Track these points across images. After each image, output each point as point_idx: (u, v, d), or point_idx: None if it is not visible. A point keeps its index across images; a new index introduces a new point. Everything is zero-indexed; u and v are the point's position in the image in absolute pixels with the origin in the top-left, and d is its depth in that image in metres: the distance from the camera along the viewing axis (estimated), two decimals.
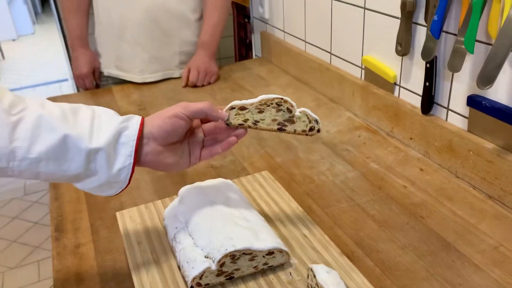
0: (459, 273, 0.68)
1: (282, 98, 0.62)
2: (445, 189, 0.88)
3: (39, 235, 2.30)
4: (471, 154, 0.86)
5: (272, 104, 0.62)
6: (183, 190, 0.72)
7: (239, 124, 0.64)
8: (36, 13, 7.47)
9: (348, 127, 1.14)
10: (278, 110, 0.63)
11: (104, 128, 0.57)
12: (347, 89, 1.21)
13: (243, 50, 2.14)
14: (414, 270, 0.69)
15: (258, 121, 0.63)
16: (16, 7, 6.50)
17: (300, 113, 0.65)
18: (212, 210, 0.65)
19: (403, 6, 0.92)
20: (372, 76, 1.11)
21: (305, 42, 1.40)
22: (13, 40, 6.31)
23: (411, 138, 1.01)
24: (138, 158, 0.60)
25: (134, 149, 0.58)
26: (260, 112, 0.62)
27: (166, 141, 0.61)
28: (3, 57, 5.55)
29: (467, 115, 0.87)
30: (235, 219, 0.63)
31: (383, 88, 1.09)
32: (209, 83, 1.46)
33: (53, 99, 1.42)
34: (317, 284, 0.55)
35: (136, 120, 0.60)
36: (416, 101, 0.98)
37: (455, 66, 0.81)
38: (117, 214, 0.75)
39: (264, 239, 0.60)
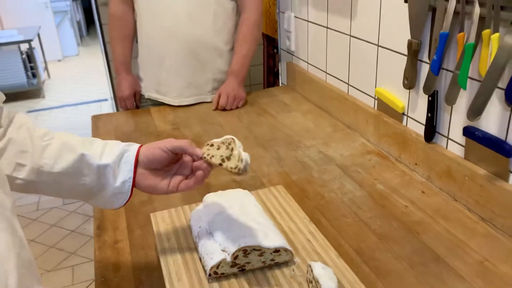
0: (445, 282, 0.77)
1: (232, 138, 0.72)
2: (442, 210, 0.97)
3: (74, 242, 2.47)
4: (467, 179, 0.95)
5: (226, 142, 0.72)
6: (207, 196, 0.85)
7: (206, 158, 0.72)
8: (81, 36, 7.93)
9: (360, 151, 1.25)
10: (227, 148, 0.71)
11: (111, 150, 0.73)
12: (361, 117, 1.32)
13: (271, 78, 2.29)
14: (405, 277, 0.79)
15: (222, 157, 0.71)
16: (64, 30, 6.95)
17: (237, 152, 0.71)
18: (230, 213, 0.77)
19: (409, 46, 1.04)
20: (384, 106, 1.22)
21: (326, 73, 1.53)
22: (59, 60, 6.73)
23: (416, 164, 1.11)
24: None
25: (133, 166, 0.73)
26: (218, 149, 0.72)
27: (149, 166, 0.74)
28: (49, 76, 5.93)
29: (463, 143, 0.97)
30: (249, 221, 0.75)
31: (393, 117, 1.19)
32: (237, 107, 1.60)
33: (97, 117, 1.59)
34: (313, 278, 0.66)
35: (135, 146, 0.75)
36: (421, 130, 1.09)
37: (450, 100, 0.91)
38: (151, 215, 0.88)
39: (272, 239, 0.72)
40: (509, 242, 0.85)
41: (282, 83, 1.95)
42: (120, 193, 0.74)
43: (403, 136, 1.15)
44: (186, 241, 0.79)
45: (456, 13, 0.88)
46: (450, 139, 1.01)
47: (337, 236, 0.90)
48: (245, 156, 0.70)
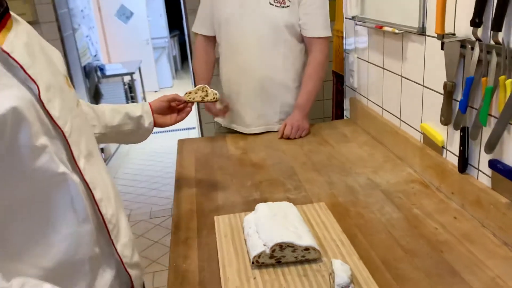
0: None
1: (204, 85, 1.32)
2: (470, 234, 1.08)
3: (157, 252, 2.79)
4: (492, 207, 1.05)
5: (201, 89, 1.31)
6: (258, 205, 1.06)
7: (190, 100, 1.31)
8: (176, 69, 8.69)
9: (405, 180, 1.38)
10: (202, 91, 1.31)
11: (137, 107, 1.26)
12: (409, 149, 1.45)
13: (339, 111, 2.47)
14: (420, 284, 0.92)
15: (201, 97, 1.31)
16: (161, 64, 7.70)
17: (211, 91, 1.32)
18: (274, 218, 0.97)
19: (444, 87, 1.18)
20: (428, 140, 1.35)
21: (382, 108, 1.68)
22: (155, 91, 7.44)
23: (452, 193, 1.22)
24: None
25: (151, 113, 1.27)
26: (196, 93, 1.31)
27: (157, 112, 1.29)
28: None
29: (490, 175, 1.08)
30: (288, 225, 0.94)
31: (435, 150, 1.32)
32: (300, 137, 1.80)
33: (182, 141, 1.88)
34: (332, 271, 0.83)
35: (147, 103, 1.28)
36: (457, 162, 1.20)
37: (474, 135, 1.04)
38: (215, 218, 1.11)
39: (305, 239, 0.90)
40: None
41: (346, 116, 2.12)
42: (148, 131, 1.27)
43: (442, 168, 1.27)
44: (238, 238, 1.00)
45: (480, 60, 1.02)
46: (480, 171, 1.12)
47: (368, 248, 1.05)
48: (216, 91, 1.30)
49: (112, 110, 1.21)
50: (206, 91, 1.30)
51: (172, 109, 1.32)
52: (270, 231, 0.92)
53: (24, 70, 0.69)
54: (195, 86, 1.38)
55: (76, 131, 0.80)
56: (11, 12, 0.75)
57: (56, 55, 0.86)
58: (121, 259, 0.85)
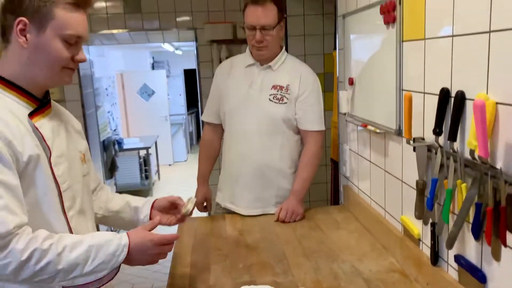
0: None
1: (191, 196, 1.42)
2: None
3: None
4: None
5: (190, 200, 1.40)
6: None
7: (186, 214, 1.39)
8: (191, 144, 8.99)
9: (387, 269, 1.46)
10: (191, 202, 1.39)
11: (140, 200, 1.42)
12: (392, 239, 1.55)
13: (337, 196, 2.58)
14: None
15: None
16: (177, 139, 8.00)
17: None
18: None
19: (417, 184, 1.30)
20: (407, 232, 1.45)
21: (370, 198, 1.80)
22: (169, 165, 7.67)
23: (427, 284, 1.30)
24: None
25: (150, 207, 1.40)
26: (187, 205, 1.38)
27: (157, 208, 1.41)
28: (159, 178, 6.78)
29: (457, 268, 1.16)
30: None
31: (413, 242, 1.41)
32: (295, 221, 1.91)
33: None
34: None
35: (153, 198, 1.43)
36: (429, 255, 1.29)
37: (439, 230, 1.15)
38: None
39: None
40: None
41: (341, 202, 2.23)
42: (142, 223, 1.33)
43: (419, 259, 1.35)
44: None
45: (442, 164, 1.16)
46: (449, 264, 1.20)
47: None
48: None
49: (120, 198, 1.41)
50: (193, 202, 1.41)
51: (174, 209, 1.41)
52: None
53: (45, 141, 1.07)
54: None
55: (72, 191, 1.14)
56: (52, 102, 1.18)
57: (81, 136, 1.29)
58: None
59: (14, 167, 0.99)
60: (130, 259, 1.11)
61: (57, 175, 1.09)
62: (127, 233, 1.13)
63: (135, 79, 7.34)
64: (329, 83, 3.04)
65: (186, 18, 3.61)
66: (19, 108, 1.07)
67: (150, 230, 1.18)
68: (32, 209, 1.04)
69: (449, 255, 1.20)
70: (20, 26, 1.03)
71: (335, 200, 2.63)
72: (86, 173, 1.25)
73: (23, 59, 1.06)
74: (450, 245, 1.04)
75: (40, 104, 1.11)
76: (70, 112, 1.31)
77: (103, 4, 3.48)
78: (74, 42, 1.08)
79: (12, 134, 1.00)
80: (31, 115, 1.08)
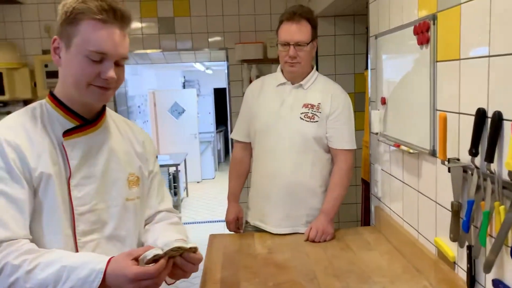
0: None
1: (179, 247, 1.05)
2: None
3: None
4: None
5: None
6: None
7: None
8: (219, 162, 9.07)
9: None
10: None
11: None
12: (426, 262, 1.51)
13: (368, 217, 2.54)
14: None
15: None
16: (206, 156, 8.09)
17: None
18: None
19: (452, 206, 1.28)
20: (441, 254, 1.42)
21: (403, 219, 1.77)
22: (197, 182, 7.74)
23: None
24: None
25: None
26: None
27: None
28: (187, 195, 6.85)
29: None
30: None
31: (448, 264, 1.38)
32: (325, 241, 1.89)
33: (214, 236, 2.02)
34: None
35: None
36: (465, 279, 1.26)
37: (476, 254, 1.12)
38: None
39: None
40: None
41: (372, 223, 2.20)
42: None
43: (455, 283, 1.32)
44: None
45: (479, 186, 1.13)
46: None
47: None
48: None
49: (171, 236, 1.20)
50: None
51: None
52: None
53: (68, 160, 1.08)
54: None
55: (98, 215, 1.10)
56: (111, 120, 1.21)
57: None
58: None
59: (24, 181, 1.00)
60: None
61: (74, 197, 1.07)
62: (109, 259, 0.99)
63: (167, 97, 7.51)
64: (359, 103, 3.03)
65: (218, 38, 3.69)
66: (60, 124, 1.10)
67: (137, 257, 0.99)
68: (31, 225, 1.02)
69: (487, 279, 1.17)
70: (55, 44, 1.08)
71: (365, 221, 2.59)
72: (134, 197, 1.18)
73: (61, 77, 1.11)
74: (488, 269, 1.01)
75: (84, 122, 1.12)
76: None
77: (138, 25, 3.60)
78: (99, 59, 1.04)
79: (30, 149, 1.02)
80: (66, 132, 1.09)
